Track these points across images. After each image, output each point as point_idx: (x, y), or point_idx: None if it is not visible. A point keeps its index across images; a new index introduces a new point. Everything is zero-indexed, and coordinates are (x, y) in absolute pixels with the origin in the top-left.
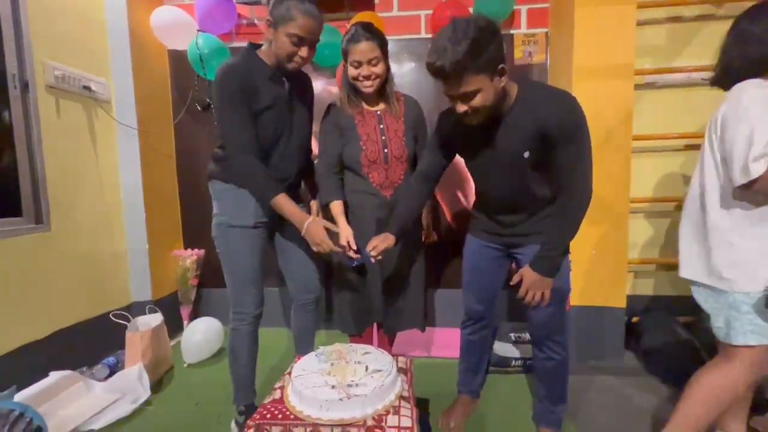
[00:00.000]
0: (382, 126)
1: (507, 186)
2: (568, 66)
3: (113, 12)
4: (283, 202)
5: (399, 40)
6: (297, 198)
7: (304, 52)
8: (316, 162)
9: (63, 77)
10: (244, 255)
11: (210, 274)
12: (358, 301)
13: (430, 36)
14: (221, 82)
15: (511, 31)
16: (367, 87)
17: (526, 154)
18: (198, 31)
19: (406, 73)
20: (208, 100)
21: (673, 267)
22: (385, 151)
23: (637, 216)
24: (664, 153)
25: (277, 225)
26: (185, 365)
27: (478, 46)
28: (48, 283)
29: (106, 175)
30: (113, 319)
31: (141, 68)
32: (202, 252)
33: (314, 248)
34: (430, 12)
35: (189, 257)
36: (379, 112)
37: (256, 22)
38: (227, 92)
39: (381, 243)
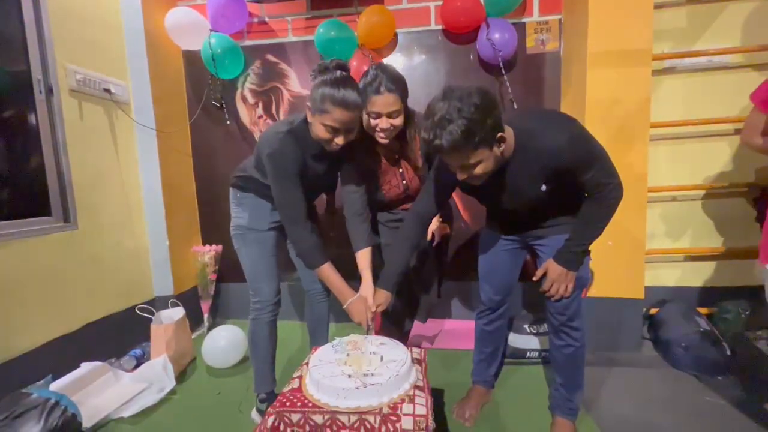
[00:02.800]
0: (401, 170)
1: (525, 210)
2: (583, 53)
3: (129, 15)
4: (328, 274)
5: (409, 32)
6: (313, 213)
7: (340, 140)
8: (345, 211)
9: (84, 81)
10: (260, 253)
11: (228, 269)
12: (406, 302)
13: (440, 28)
14: (278, 161)
15: (523, 19)
16: (383, 139)
17: (544, 188)
18: (210, 30)
19: (417, 66)
20: (222, 99)
21: (693, 257)
22: (407, 192)
23: (655, 205)
24: (684, 140)
25: None
26: None
27: (474, 125)
28: (77, 279)
29: (127, 175)
30: (138, 312)
31: (157, 69)
32: (219, 247)
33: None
34: (440, 3)
35: (207, 253)
36: (397, 156)
37: (266, 20)
38: (286, 173)
39: (382, 306)
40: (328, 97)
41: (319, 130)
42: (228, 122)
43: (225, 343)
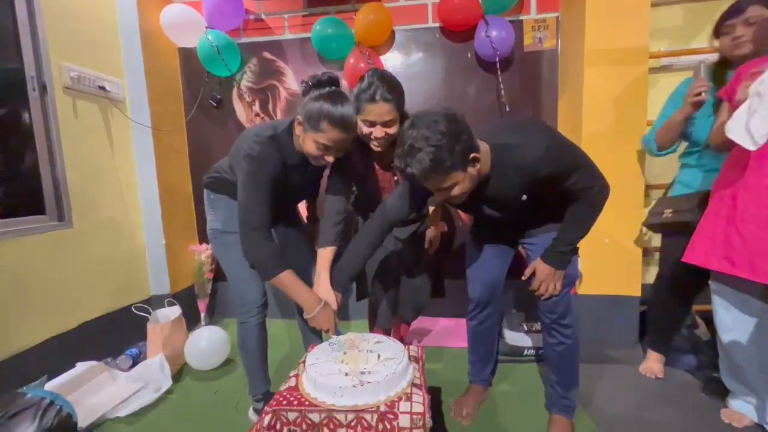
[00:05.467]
0: (396, 178)
1: (507, 217)
2: (580, 51)
3: (124, 12)
4: (290, 282)
5: (406, 30)
6: (295, 215)
7: (330, 157)
8: (325, 206)
9: (79, 78)
10: (239, 256)
11: None
12: (391, 298)
13: (438, 25)
14: (256, 164)
15: (521, 17)
16: (377, 147)
17: (524, 197)
18: (206, 27)
19: (414, 64)
20: (218, 96)
21: None
22: None
23: (652, 203)
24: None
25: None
26: None
27: (443, 152)
28: (73, 278)
29: (123, 173)
30: (135, 311)
31: (153, 67)
32: None
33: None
34: (437, 0)
35: (204, 252)
36: (392, 165)
37: (263, 17)
38: (259, 178)
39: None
40: (326, 115)
41: (310, 146)
42: (224, 120)
43: (206, 344)
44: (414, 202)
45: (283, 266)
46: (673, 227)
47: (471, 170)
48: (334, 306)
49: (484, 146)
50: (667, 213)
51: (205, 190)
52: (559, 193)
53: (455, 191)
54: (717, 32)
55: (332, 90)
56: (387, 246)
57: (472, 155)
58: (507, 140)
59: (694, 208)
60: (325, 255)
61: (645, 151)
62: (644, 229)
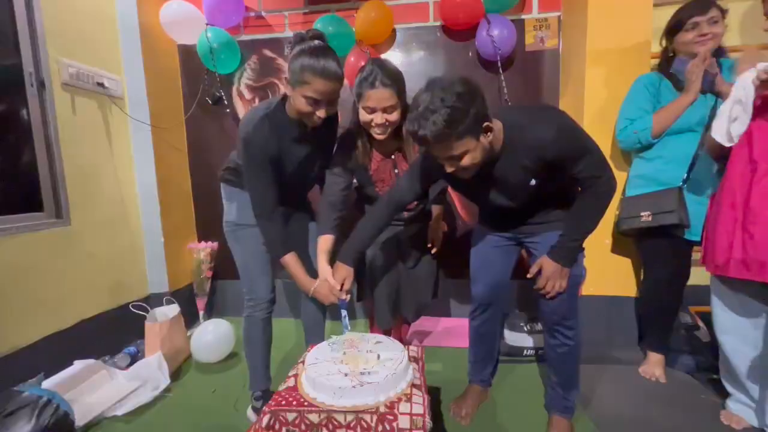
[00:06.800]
0: (396, 171)
1: (515, 205)
2: (582, 50)
3: (124, 8)
4: (287, 264)
5: (407, 28)
6: (307, 205)
7: (321, 112)
8: (322, 195)
9: (77, 75)
10: (251, 250)
11: (223, 266)
12: (391, 298)
13: (439, 24)
14: (250, 148)
15: (522, 16)
16: (379, 135)
17: (533, 182)
18: (206, 24)
19: (415, 62)
20: (217, 94)
21: None
22: None
23: None
24: None
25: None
26: None
27: (458, 113)
28: (70, 276)
29: (122, 170)
30: (133, 310)
31: (152, 64)
32: (215, 244)
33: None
34: None
35: (203, 250)
36: (393, 157)
37: (263, 14)
38: (255, 160)
39: (347, 280)
40: (307, 67)
41: (299, 103)
42: (224, 118)
43: (212, 337)
44: (422, 182)
45: (288, 249)
46: (659, 230)
47: (483, 140)
48: (331, 280)
49: (497, 123)
50: (646, 216)
51: (221, 185)
52: (568, 181)
53: (465, 161)
54: (677, 28)
55: (314, 44)
56: (388, 245)
57: (485, 124)
58: (520, 120)
59: (679, 207)
60: (323, 241)
61: (625, 146)
62: None
